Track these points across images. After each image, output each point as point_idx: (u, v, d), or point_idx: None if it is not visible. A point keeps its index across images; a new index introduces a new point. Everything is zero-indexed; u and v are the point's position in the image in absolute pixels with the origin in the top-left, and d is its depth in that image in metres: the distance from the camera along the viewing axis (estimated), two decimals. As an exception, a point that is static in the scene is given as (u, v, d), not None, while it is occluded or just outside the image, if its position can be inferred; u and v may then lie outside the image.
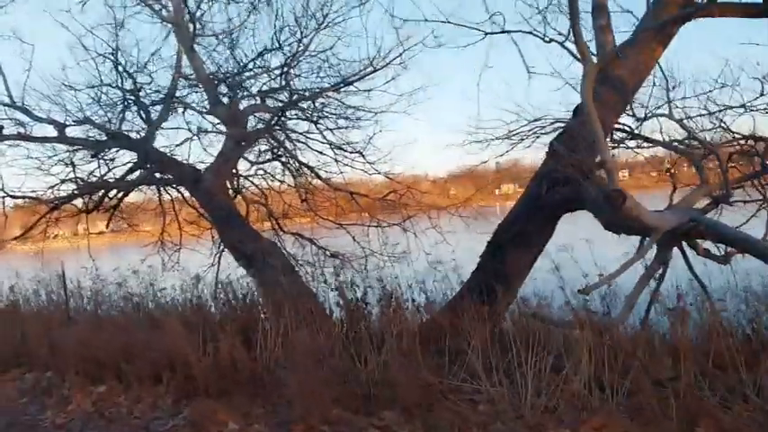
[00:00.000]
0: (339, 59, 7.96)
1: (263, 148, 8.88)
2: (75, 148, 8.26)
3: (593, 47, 5.36)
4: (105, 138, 8.23)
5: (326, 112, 8.37)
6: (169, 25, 8.10)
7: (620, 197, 3.78)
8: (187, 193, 8.45)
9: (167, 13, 8.03)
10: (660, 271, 4.92)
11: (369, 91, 8.00)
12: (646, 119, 5.83)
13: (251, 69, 8.33)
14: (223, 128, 8.24)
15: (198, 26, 8.03)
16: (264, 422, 4.11)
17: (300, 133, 8.57)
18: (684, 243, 4.95)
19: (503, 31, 6.20)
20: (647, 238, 4.77)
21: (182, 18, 7.88)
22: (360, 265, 7.54)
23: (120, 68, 8.33)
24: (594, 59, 4.36)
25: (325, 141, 8.50)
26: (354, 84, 7.89)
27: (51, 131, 8.19)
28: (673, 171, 5.73)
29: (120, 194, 8.60)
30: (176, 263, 8.80)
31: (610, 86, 5.44)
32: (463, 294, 5.62)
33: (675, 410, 3.37)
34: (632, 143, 6.29)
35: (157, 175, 8.38)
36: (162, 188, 8.79)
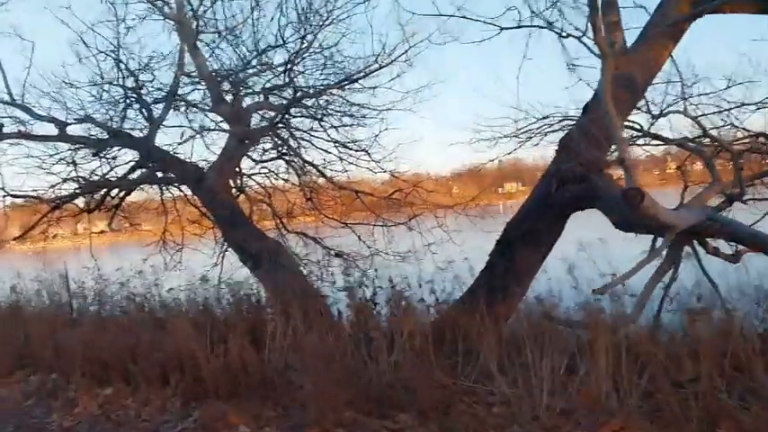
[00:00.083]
0: (344, 56, 7.90)
1: (267, 146, 8.81)
2: (77, 146, 8.16)
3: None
4: (107, 136, 8.14)
5: (331, 109, 8.32)
6: (171, 22, 8.01)
7: (639, 195, 3.74)
8: (189, 192, 8.38)
9: (169, 9, 7.94)
10: (671, 271, 4.90)
11: (374, 88, 7.94)
12: (661, 115, 5.79)
13: (254, 66, 8.25)
14: (226, 126, 8.16)
15: (200, 23, 7.95)
16: (277, 425, 4.06)
17: (305, 131, 8.52)
18: (695, 242, 4.92)
19: (518, 26, 6.08)
20: (659, 238, 4.75)
21: (184, 15, 7.80)
22: (365, 264, 7.50)
23: (122, 66, 8.22)
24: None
25: (329, 139, 8.46)
26: (359, 81, 7.82)
27: (52, 130, 8.09)
28: (684, 169, 5.69)
29: (121, 193, 8.53)
30: (178, 262, 8.76)
31: (619, 83, 5.39)
32: (473, 292, 5.60)
33: (695, 412, 3.32)
34: (641, 141, 6.27)
35: (160, 173, 8.30)
36: (164, 187, 8.72)
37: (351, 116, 8.26)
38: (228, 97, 8.07)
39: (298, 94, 8.15)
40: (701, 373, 3.51)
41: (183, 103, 8.56)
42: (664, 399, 3.50)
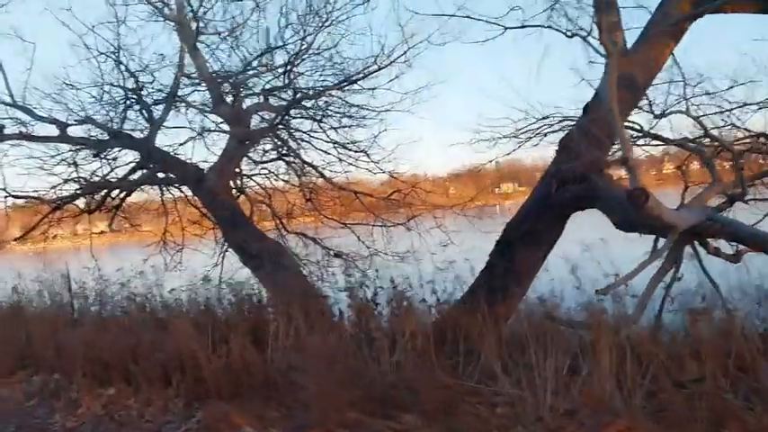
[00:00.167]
0: (343, 58, 7.92)
1: (267, 147, 8.87)
2: (78, 147, 8.17)
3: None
4: (107, 137, 8.15)
5: (330, 110, 8.34)
6: (172, 23, 8.02)
7: (643, 195, 3.75)
8: (190, 193, 8.40)
9: (170, 11, 7.96)
10: (672, 271, 4.91)
11: (373, 89, 7.97)
12: (663, 115, 5.80)
13: (254, 68, 8.27)
14: (226, 127, 8.19)
15: (201, 24, 7.96)
16: (280, 425, 4.05)
17: (304, 132, 8.55)
18: (696, 242, 4.93)
19: (523, 26, 6.07)
20: (661, 238, 4.76)
21: (184, 16, 7.81)
22: (364, 264, 7.51)
23: (122, 67, 8.24)
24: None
25: (329, 140, 8.48)
26: (358, 82, 7.85)
27: (53, 131, 8.11)
28: (684, 169, 5.71)
29: (122, 194, 8.55)
30: (179, 263, 8.77)
31: (620, 83, 5.38)
32: (473, 293, 5.60)
33: (701, 413, 3.33)
34: (641, 141, 6.28)
35: (160, 174, 8.31)
36: (164, 188, 8.72)
37: (350, 117, 8.30)
38: (229, 98, 8.10)
39: (297, 96, 8.18)
40: (706, 373, 3.52)
41: (183, 104, 8.58)
42: (668, 399, 3.50)
